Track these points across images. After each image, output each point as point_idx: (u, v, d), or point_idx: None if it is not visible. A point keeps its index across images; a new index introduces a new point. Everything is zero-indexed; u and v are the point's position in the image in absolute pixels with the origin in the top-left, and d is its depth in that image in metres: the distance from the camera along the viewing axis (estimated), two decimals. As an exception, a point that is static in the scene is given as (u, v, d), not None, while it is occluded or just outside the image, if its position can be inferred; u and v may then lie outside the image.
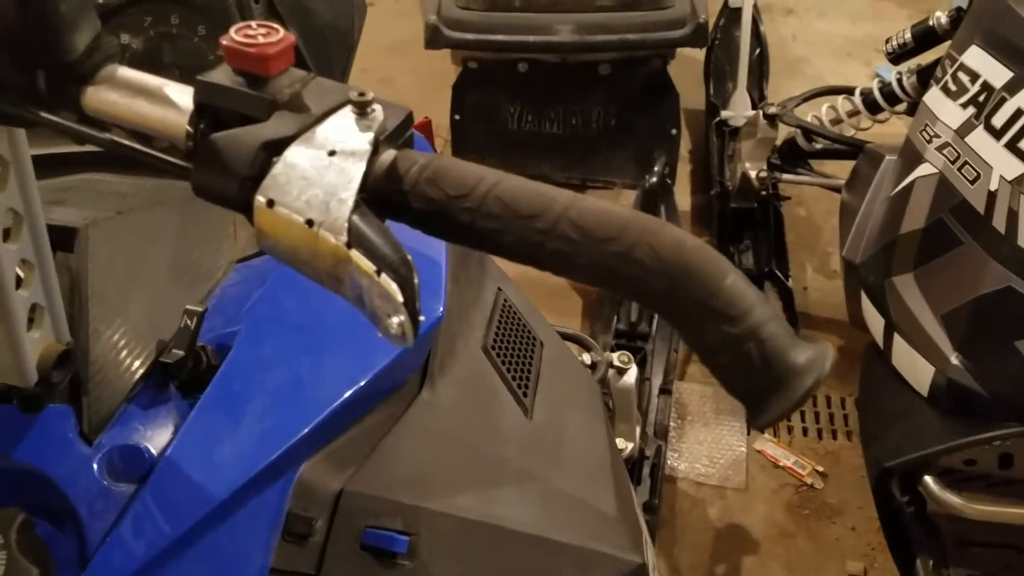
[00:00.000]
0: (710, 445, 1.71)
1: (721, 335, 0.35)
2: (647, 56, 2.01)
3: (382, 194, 0.38)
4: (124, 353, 0.57)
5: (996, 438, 1.09)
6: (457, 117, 2.09)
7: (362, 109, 0.38)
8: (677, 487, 1.63)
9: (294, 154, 0.37)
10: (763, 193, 2.00)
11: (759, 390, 0.35)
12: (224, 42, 0.38)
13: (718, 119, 2.31)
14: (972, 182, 1.14)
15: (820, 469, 1.66)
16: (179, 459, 0.54)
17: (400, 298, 0.35)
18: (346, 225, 0.36)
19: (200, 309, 0.58)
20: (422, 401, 0.66)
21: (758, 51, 2.47)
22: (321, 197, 0.36)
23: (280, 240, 0.37)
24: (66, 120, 0.40)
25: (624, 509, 0.73)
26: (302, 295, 0.65)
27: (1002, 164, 1.09)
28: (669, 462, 1.66)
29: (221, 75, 0.39)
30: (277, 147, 0.38)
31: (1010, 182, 1.07)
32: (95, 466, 0.54)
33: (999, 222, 1.07)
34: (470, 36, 1.95)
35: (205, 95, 0.39)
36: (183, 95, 0.40)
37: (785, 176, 1.96)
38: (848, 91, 1.89)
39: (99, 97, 0.40)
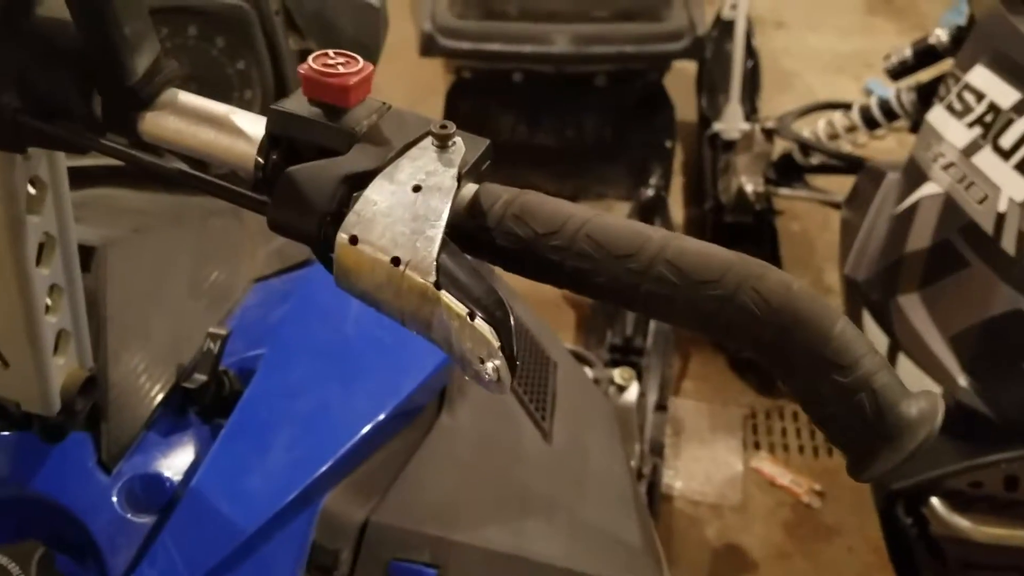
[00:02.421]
0: (706, 463, 1.70)
1: (832, 385, 0.33)
2: (643, 68, 2.00)
3: (465, 230, 0.36)
4: (144, 378, 0.55)
5: (1003, 461, 1.08)
6: (450, 126, 2.07)
7: (443, 141, 0.36)
8: (674, 506, 1.62)
9: (377, 189, 0.35)
10: (758, 208, 1.99)
11: (867, 442, 0.34)
12: (302, 71, 0.36)
13: (711, 132, 2.31)
14: (980, 203, 1.14)
15: (817, 488, 1.65)
16: (203, 490, 0.52)
17: (496, 343, 0.34)
18: (435, 264, 0.34)
19: (223, 332, 0.56)
20: (442, 426, 0.64)
21: (751, 64, 2.47)
22: (407, 234, 0.34)
23: (362, 279, 0.35)
24: (122, 146, 0.38)
25: (647, 538, 0.72)
26: (325, 317, 0.63)
27: (1011, 185, 1.09)
28: (665, 480, 1.65)
29: (296, 104, 0.37)
30: (359, 181, 0.36)
31: (1020, 204, 1.07)
32: (114, 497, 0.52)
33: (1008, 244, 1.07)
34: (465, 45, 1.94)
35: (280, 125, 0.37)
36: (251, 123, 0.38)
37: (781, 191, 1.96)
38: (845, 106, 1.89)
39: (159, 123, 0.38)
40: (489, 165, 0.38)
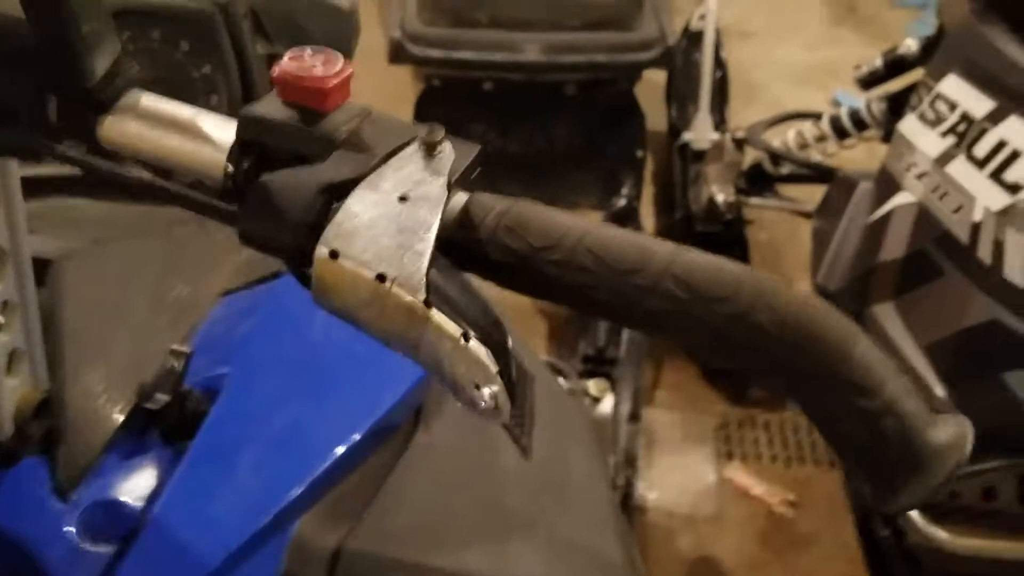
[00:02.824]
0: (680, 473, 1.68)
1: (854, 410, 0.31)
2: (613, 77, 2.00)
3: (455, 244, 0.34)
4: (102, 399, 0.52)
5: (980, 471, 1.08)
6: (420, 135, 2.04)
7: (431, 147, 0.34)
8: (648, 518, 1.60)
9: (359, 199, 0.33)
10: (728, 217, 1.99)
11: (893, 472, 0.32)
12: (275, 72, 0.33)
13: (681, 142, 2.31)
14: (954, 212, 1.14)
15: (791, 497, 1.64)
16: (166, 518, 0.49)
17: (493, 367, 0.31)
18: (424, 280, 0.31)
19: (187, 349, 0.53)
20: (418, 445, 0.62)
21: (719, 75, 2.48)
22: (393, 248, 0.32)
23: (343, 296, 0.32)
24: (79, 152, 0.35)
25: (628, 555, 0.70)
26: (296, 331, 0.60)
27: (986, 195, 1.09)
28: (639, 491, 1.63)
29: (270, 108, 0.34)
30: (339, 191, 0.33)
31: (995, 213, 1.07)
32: (71, 526, 0.49)
33: (984, 253, 1.07)
34: (435, 53, 1.92)
35: (251, 130, 0.35)
36: (220, 128, 0.35)
37: (752, 200, 1.95)
38: (815, 116, 1.90)
39: (119, 128, 0.35)
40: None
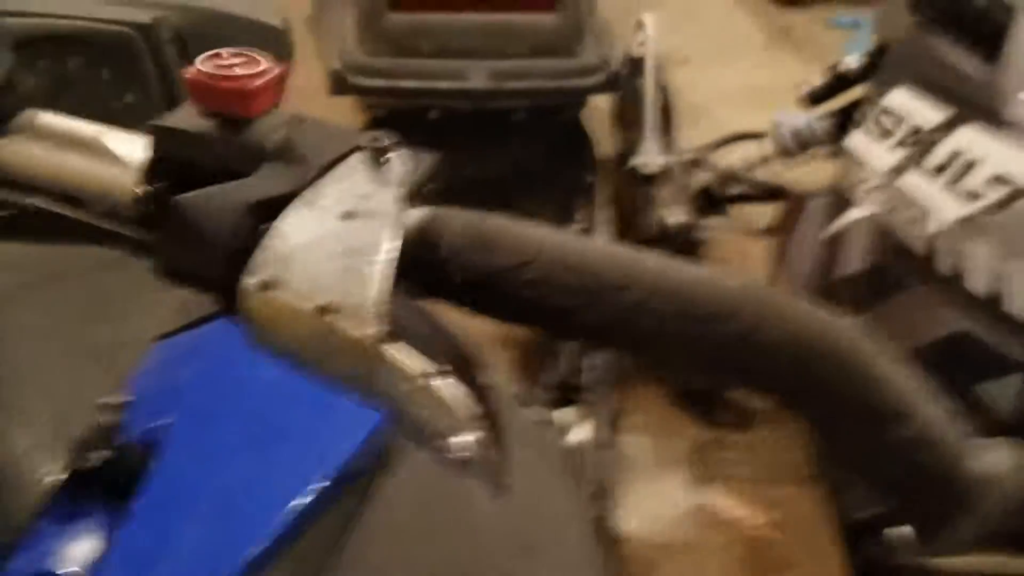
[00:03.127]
0: (656, 501, 1.64)
1: (883, 441, 0.27)
2: (561, 104, 1.98)
3: (412, 266, 0.29)
4: (29, 462, 0.47)
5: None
6: (365, 168, 2.00)
7: (378, 156, 0.29)
8: (625, 549, 1.56)
9: (294, 218, 0.28)
10: (680, 240, 1.98)
11: (934, 508, 0.28)
12: (189, 75, 0.29)
13: (629, 166, 2.30)
14: (911, 225, 1.13)
15: (769, 520, 1.61)
16: (103, 593, 0.44)
17: (463, 410, 0.27)
18: (375, 310, 0.27)
19: (119, 401, 0.48)
20: (383, 491, 0.57)
21: (662, 99, 2.49)
22: (337, 274, 0.27)
23: (281, 334, 0.28)
24: None
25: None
26: (242, 375, 0.55)
27: (942, 206, 1.08)
28: (614, 522, 1.59)
29: (185, 119, 0.30)
30: (269, 209, 0.29)
31: (952, 224, 1.06)
32: (-6, 608, 0.43)
33: (944, 265, 1.06)
34: (378, 83, 1.88)
35: (165, 145, 0.30)
36: (130, 146, 0.31)
37: (703, 222, 1.95)
38: (760, 137, 1.90)
39: (14, 150, 0.30)
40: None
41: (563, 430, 1.16)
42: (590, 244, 0.30)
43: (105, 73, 0.62)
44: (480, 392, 0.27)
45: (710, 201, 1.99)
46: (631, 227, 2.17)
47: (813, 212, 1.41)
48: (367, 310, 0.27)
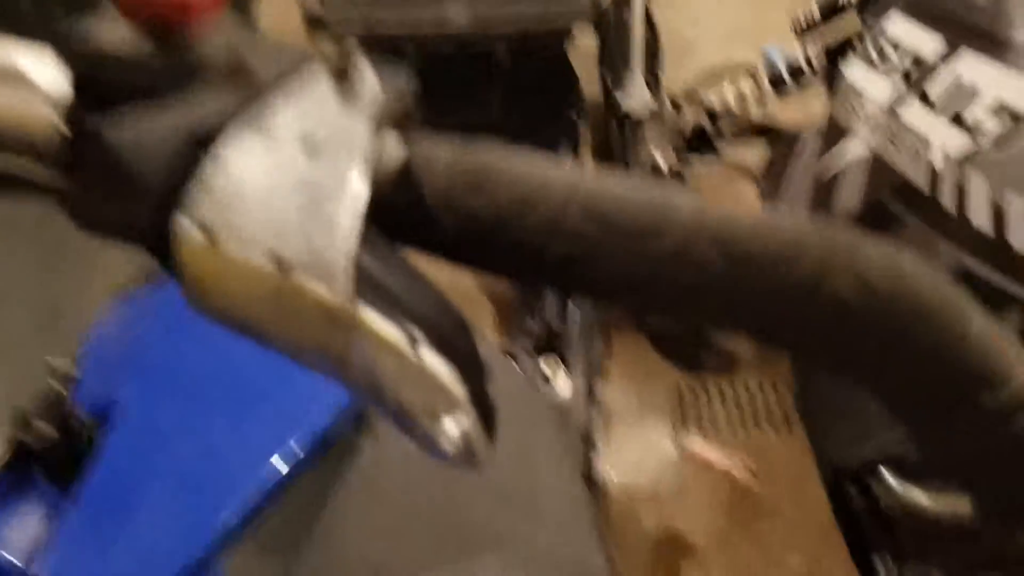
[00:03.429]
0: (640, 450, 1.63)
1: (974, 410, 0.23)
2: (545, 42, 1.92)
3: (391, 210, 0.24)
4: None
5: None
6: (345, 115, 1.93)
7: (342, 72, 0.24)
8: (611, 499, 1.54)
9: (241, 149, 0.23)
10: (672, 181, 1.94)
11: (1019, 491, 0.24)
12: None
13: (617, 107, 2.24)
14: (911, 159, 1.09)
15: (752, 465, 1.60)
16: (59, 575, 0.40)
17: (457, 389, 0.22)
18: (347, 265, 0.22)
19: (70, 368, 0.43)
20: (364, 457, 0.53)
21: (650, 36, 2.42)
22: (297, 221, 0.22)
23: (228, 296, 0.23)
24: None
25: (604, 556, 0.62)
26: (202, 337, 0.51)
27: (944, 139, 1.04)
28: (600, 472, 1.57)
29: (111, 34, 0.24)
30: (211, 139, 0.23)
31: (955, 158, 1.02)
32: (-66, 597, 0.39)
33: (947, 201, 1.02)
34: (356, 29, 1.81)
35: (87, 65, 0.25)
36: (48, 69, 0.26)
37: (694, 162, 1.90)
38: (751, 72, 1.84)
39: None
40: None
41: (546, 379, 1.13)
42: (608, 181, 0.24)
43: None
44: (470, 364, 0.23)
45: (701, 140, 1.93)
46: (620, 169, 2.12)
47: (807, 149, 1.36)
48: (336, 265, 0.22)
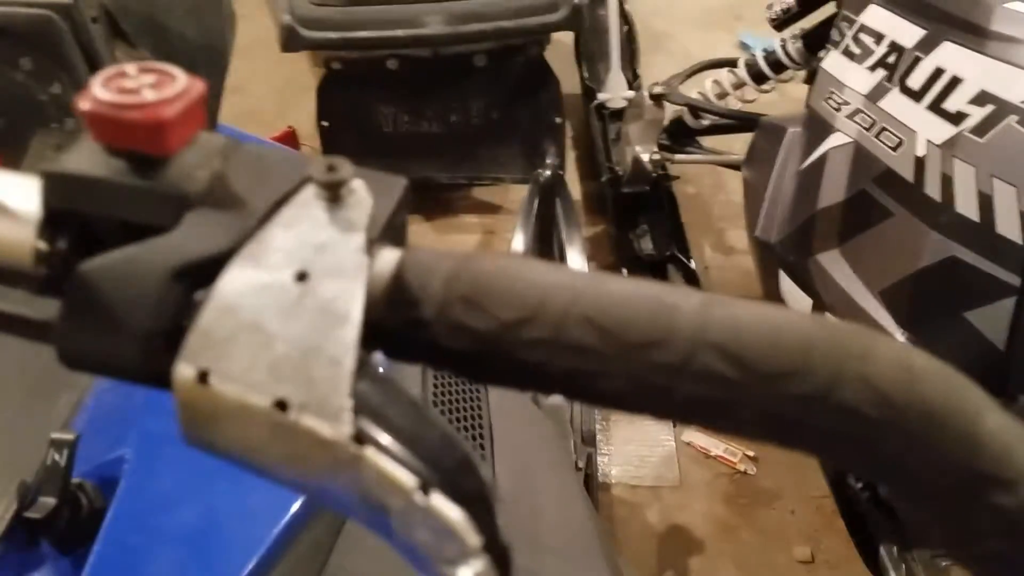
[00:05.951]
0: (638, 444, 1.63)
1: (990, 511, 0.22)
2: (523, 44, 1.91)
3: (386, 330, 0.23)
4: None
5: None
6: (326, 124, 1.92)
7: (334, 190, 0.23)
8: (612, 494, 1.55)
9: (234, 284, 0.22)
10: (655, 175, 1.94)
11: None
12: (84, 105, 0.22)
13: (596, 102, 2.24)
14: (894, 149, 1.09)
15: (751, 454, 1.61)
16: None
17: (472, 537, 0.22)
18: (347, 403, 0.21)
19: (70, 436, 0.43)
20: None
21: (626, 30, 2.41)
22: (295, 357, 0.21)
23: (227, 434, 0.22)
24: None
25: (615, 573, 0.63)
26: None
27: (927, 128, 1.04)
28: (600, 468, 1.58)
29: (85, 159, 0.23)
30: (201, 274, 0.23)
31: (939, 146, 1.02)
32: None
33: (932, 189, 1.02)
34: (331, 35, 1.80)
35: (62, 196, 0.24)
36: (24, 191, 0.24)
37: (677, 156, 1.90)
38: (731, 63, 1.84)
39: None
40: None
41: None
42: (609, 285, 0.23)
43: (26, 63, 0.56)
44: (480, 506, 0.22)
45: (682, 133, 1.93)
46: (603, 166, 2.12)
47: (789, 140, 1.36)
48: (337, 402, 0.21)
